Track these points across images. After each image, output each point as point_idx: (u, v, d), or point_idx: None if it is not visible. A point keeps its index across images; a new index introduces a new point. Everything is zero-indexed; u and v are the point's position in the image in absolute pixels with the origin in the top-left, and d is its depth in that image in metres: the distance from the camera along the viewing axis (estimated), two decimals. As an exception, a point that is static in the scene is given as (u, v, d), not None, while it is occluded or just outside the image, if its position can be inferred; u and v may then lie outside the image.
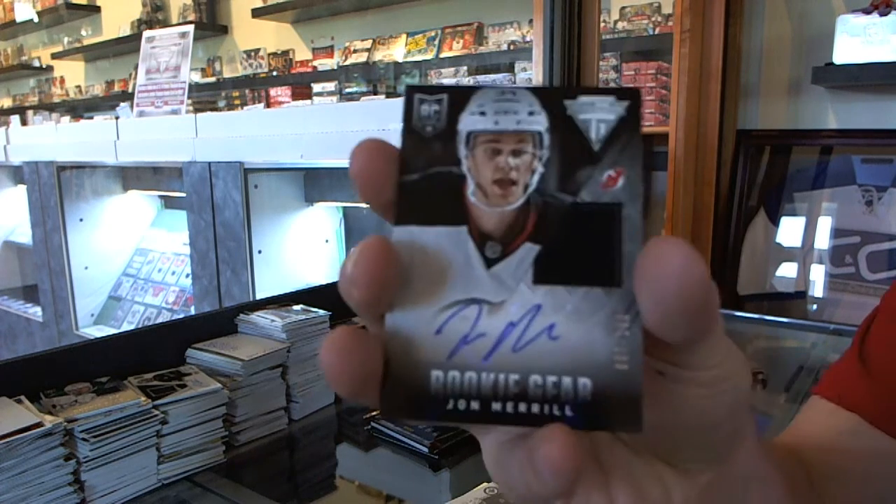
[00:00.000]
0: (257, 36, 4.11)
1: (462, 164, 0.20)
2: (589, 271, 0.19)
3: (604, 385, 0.19)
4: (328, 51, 3.81)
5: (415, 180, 0.20)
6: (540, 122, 0.20)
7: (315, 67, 3.79)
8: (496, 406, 0.19)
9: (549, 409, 0.19)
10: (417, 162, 0.20)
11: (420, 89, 0.21)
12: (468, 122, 0.20)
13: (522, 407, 0.19)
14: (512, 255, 0.20)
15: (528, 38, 2.91)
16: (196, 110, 2.36)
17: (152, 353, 0.95)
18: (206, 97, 4.13)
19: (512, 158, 0.20)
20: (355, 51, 3.62)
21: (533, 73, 1.55)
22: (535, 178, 0.20)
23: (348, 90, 3.50)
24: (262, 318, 1.04)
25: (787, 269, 1.62)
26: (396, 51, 3.47)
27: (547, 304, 0.19)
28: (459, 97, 0.21)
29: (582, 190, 0.20)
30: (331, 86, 3.59)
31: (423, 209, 0.20)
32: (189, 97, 2.38)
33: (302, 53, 3.96)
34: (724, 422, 0.23)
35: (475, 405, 0.19)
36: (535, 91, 0.20)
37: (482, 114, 0.20)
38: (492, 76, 2.78)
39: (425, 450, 0.89)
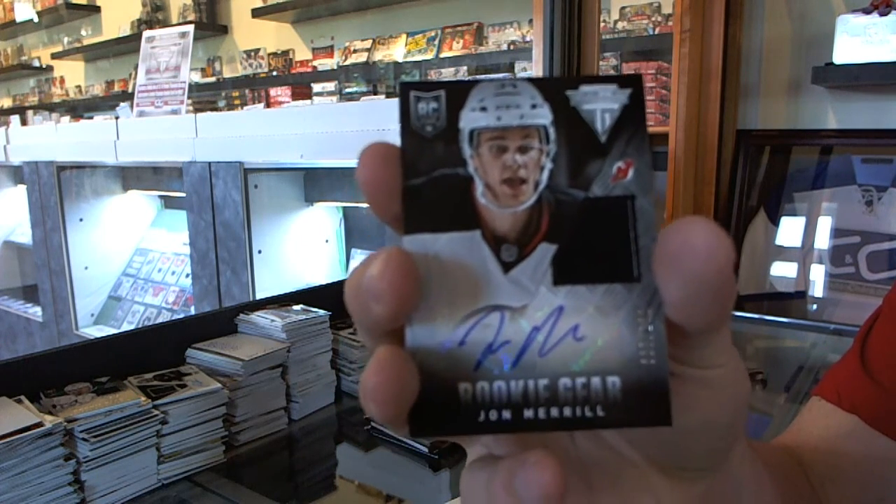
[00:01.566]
0: (257, 36, 4.11)
1: (468, 165, 0.19)
2: (608, 268, 0.19)
3: (632, 382, 0.19)
4: (328, 51, 3.81)
5: (420, 184, 0.19)
6: (544, 116, 0.20)
7: (315, 67, 3.79)
8: (528, 413, 0.19)
9: (580, 412, 0.19)
10: (421, 164, 0.19)
11: (416, 86, 0.20)
12: (470, 118, 0.20)
13: (555, 412, 0.19)
14: (529, 256, 0.19)
15: (528, 38, 2.91)
16: (196, 110, 2.36)
17: (152, 353, 0.95)
18: (206, 97, 4.14)
19: (519, 155, 0.20)
20: (355, 51, 3.63)
21: (533, 73, 1.56)
22: (545, 174, 0.20)
23: (348, 90, 3.50)
24: (262, 318, 1.04)
25: (787, 269, 1.62)
26: (396, 51, 3.47)
27: (569, 304, 0.19)
28: (458, 92, 0.20)
29: (593, 184, 0.19)
30: (331, 86, 3.59)
31: (432, 215, 0.19)
32: (189, 97, 2.38)
33: (302, 53, 3.96)
34: (727, 424, 0.23)
35: (507, 415, 0.19)
36: (536, 82, 0.20)
37: (483, 109, 0.20)
38: (492, 76, 2.78)
39: (425, 450, 0.89)
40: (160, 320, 2.42)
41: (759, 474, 0.30)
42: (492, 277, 0.19)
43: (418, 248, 0.19)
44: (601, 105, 0.20)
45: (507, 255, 0.19)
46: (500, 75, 2.78)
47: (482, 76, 2.93)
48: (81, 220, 2.57)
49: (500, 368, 0.19)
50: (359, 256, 2.11)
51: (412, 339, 0.19)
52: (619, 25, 2.52)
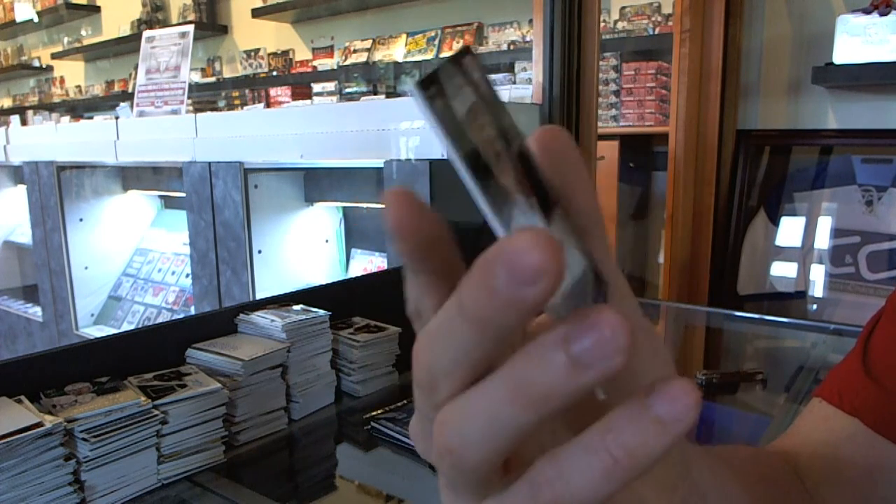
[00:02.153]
0: (257, 36, 4.11)
1: (482, 144, 0.20)
2: (546, 193, 0.20)
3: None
4: (328, 51, 3.81)
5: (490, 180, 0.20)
6: (469, 93, 0.20)
7: (315, 67, 3.79)
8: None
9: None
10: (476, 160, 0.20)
11: (432, 82, 0.19)
12: (461, 101, 0.19)
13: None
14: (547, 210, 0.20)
15: (528, 38, 2.91)
16: (196, 110, 2.36)
17: (152, 353, 0.95)
18: (206, 97, 4.13)
19: (488, 125, 0.20)
20: (355, 51, 3.63)
21: (533, 73, 1.55)
22: (498, 137, 0.20)
23: (348, 90, 3.50)
24: (262, 318, 1.04)
25: (787, 269, 1.62)
26: (396, 51, 3.47)
27: (556, 234, 0.20)
28: (447, 77, 0.20)
29: (510, 134, 0.20)
30: (331, 86, 3.59)
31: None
32: (189, 97, 2.38)
33: (302, 53, 3.97)
34: None
35: None
36: (451, 62, 0.20)
37: (458, 91, 0.20)
38: (492, 76, 2.78)
39: (425, 450, 0.89)
40: (160, 320, 2.42)
41: (723, 484, 0.30)
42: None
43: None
44: (475, 73, 0.20)
45: (537, 205, 0.20)
46: (501, 75, 2.78)
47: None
48: (81, 220, 2.57)
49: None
50: (359, 256, 2.11)
51: None
52: (619, 25, 2.52)
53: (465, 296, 0.18)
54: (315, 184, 2.03)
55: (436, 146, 1.43)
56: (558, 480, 0.18)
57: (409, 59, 3.39)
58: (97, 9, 5.22)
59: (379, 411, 1.00)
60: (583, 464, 0.18)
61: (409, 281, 0.21)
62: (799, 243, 1.62)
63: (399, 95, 3.37)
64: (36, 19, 5.37)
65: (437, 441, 0.19)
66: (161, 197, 2.71)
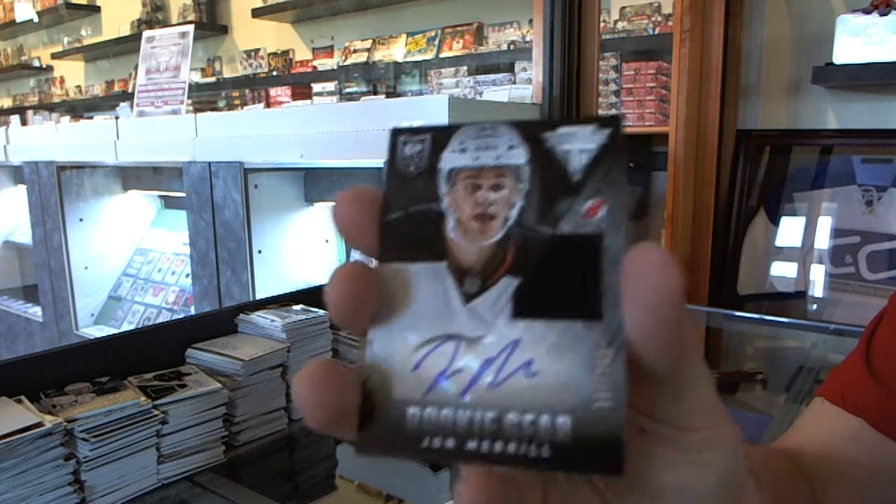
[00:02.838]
0: (257, 36, 4.11)
1: (442, 201, 0.21)
2: (569, 305, 0.19)
3: (584, 424, 0.18)
4: (328, 51, 3.81)
5: (396, 219, 0.21)
6: (519, 156, 0.20)
7: (315, 67, 3.79)
8: (471, 444, 0.18)
9: (525, 449, 0.18)
10: (400, 201, 0.21)
11: (404, 131, 0.21)
12: (449, 159, 0.21)
13: (498, 446, 0.18)
14: (491, 289, 0.20)
15: (528, 38, 2.91)
16: (196, 110, 2.36)
17: (152, 353, 0.95)
18: (206, 97, 4.14)
19: (491, 193, 0.21)
20: (355, 51, 3.63)
21: (533, 73, 1.55)
22: (515, 211, 0.20)
23: (348, 90, 3.50)
24: (262, 318, 1.04)
25: (787, 269, 1.62)
26: (396, 51, 3.47)
27: (525, 339, 0.19)
28: (441, 136, 0.21)
29: (562, 221, 0.19)
30: (331, 86, 3.59)
31: (404, 247, 0.21)
32: (189, 97, 2.38)
33: (302, 53, 3.97)
34: (707, 493, 0.21)
35: (450, 443, 0.19)
36: (516, 125, 0.21)
37: (463, 151, 0.21)
38: (492, 76, 2.78)
39: (425, 450, 0.89)
40: (160, 320, 2.42)
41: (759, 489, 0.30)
42: (452, 307, 0.20)
43: (388, 276, 0.21)
44: (577, 145, 0.20)
45: (470, 287, 0.20)
46: (500, 76, 2.78)
47: (482, 76, 2.93)
48: (81, 220, 2.57)
49: (450, 396, 0.19)
50: (359, 256, 2.11)
51: (371, 357, 0.20)
52: (619, 25, 2.52)
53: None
54: (315, 184, 2.03)
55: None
56: None
57: (409, 59, 3.38)
58: (97, 9, 5.21)
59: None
60: None
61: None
62: (799, 243, 1.61)
63: (399, 95, 3.37)
64: (36, 19, 5.37)
65: None
66: (161, 197, 2.71)
